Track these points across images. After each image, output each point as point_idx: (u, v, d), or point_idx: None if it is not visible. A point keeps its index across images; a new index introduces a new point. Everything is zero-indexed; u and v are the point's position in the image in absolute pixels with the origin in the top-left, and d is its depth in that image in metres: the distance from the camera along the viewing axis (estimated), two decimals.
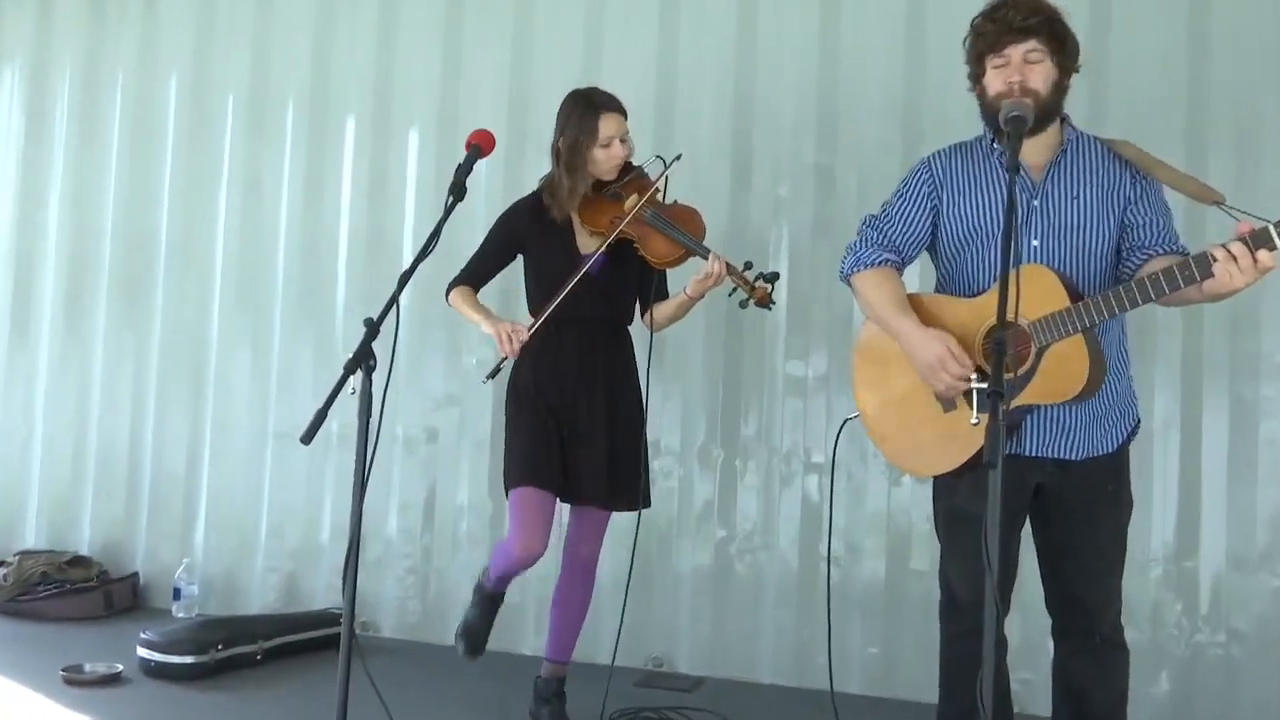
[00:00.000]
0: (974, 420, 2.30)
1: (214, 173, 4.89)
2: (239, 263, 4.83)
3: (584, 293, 3.13)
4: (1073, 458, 2.50)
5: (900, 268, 2.64)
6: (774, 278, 3.10)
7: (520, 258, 3.30)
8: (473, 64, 4.49)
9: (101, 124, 5.11)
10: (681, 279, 3.20)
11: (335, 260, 4.68)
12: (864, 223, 2.68)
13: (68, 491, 5.05)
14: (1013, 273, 2.38)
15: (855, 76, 3.99)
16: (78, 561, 4.78)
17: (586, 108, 3.17)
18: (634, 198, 3.18)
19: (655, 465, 4.03)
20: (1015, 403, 2.40)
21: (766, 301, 3.10)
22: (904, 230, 2.62)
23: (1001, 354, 1.84)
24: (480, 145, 2.78)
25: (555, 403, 3.18)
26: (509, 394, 3.26)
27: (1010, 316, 2.33)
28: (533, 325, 3.11)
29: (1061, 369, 2.34)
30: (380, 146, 4.63)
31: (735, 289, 3.11)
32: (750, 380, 4.08)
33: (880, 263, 2.61)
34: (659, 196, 3.21)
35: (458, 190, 2.61)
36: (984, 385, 2.31)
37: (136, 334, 4.98)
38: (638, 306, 3.31)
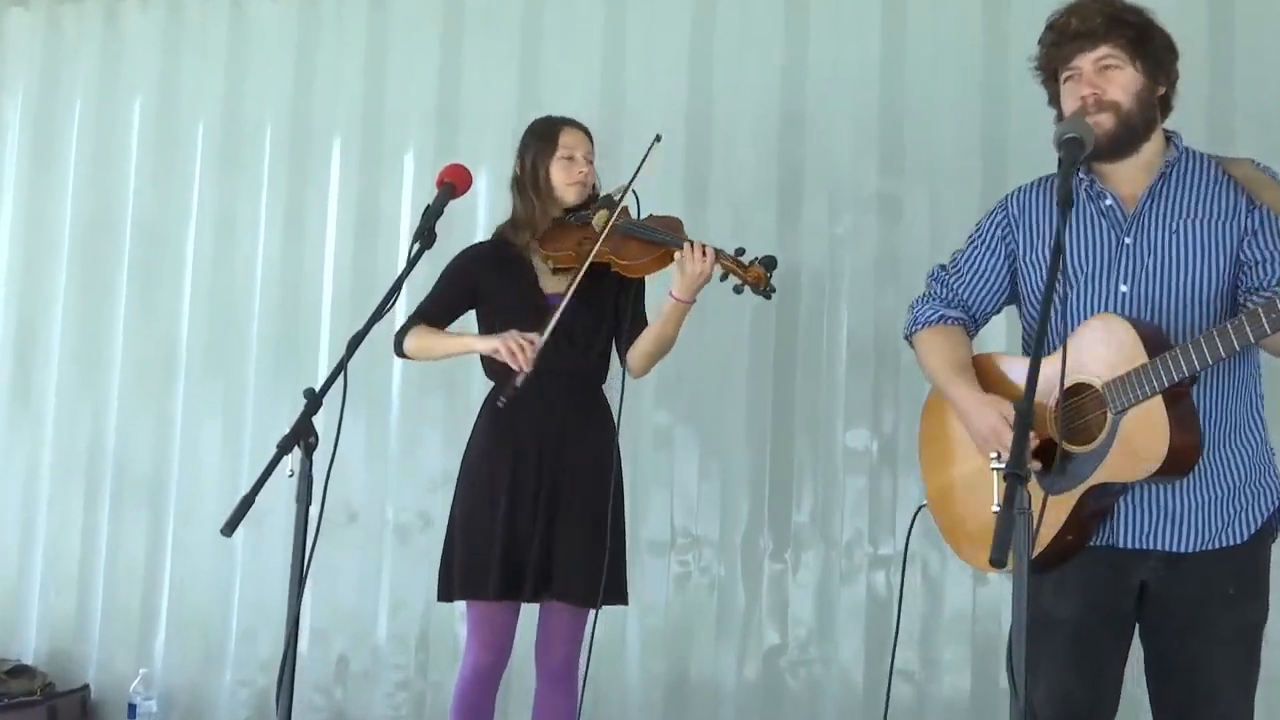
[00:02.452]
0: (995, 507, 2.30)
1: (181, 211, 5.07)
2: (208, 317, 4.99)
3: (550, 343, 3.18)
4: (1183, 550, 2.45)
5: (969, 326, 2.69)
6: (771, 263, 3.13)
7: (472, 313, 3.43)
8: (474, 82, 4.65)
9: (55, 155, 5.34)
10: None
11: (319, 313, 4.83)
12: (931, 275, 2.76)
13: (11, 587, 5.21)
14: (1084, 325, 2.44)
15: (925, 88, 4.05)
16: (20, 671, 4.91)
17: (545, 124, 3.40)
18: (603, 214, 3.27)
19: (689, 558, 4.10)
20: (1090, 481, 2.39)
21: (764, 286, 3.12)
22: (973, 283, 2.68)
23: (1024, 426, 1.86)
24: (454, 183, 2.86)
25: (511, 478, 3.24)
26: (463, 461, 3.36)
27: (1079, 377, 2.39)
28: (542, 333, 3.15)
29: (1139, 439, 2.32)
30: (370, 177, 4.79)
31: (727, 274, 3.14)
32: (803, 454, 4.10)
33: (940, 320, 2.68)
34: (633, 214, 3.30)
35: (424, 236, 2.71)
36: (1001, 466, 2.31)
37: (91, 403, 5.15)
38: (614, 359, 3.39)
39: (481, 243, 3.50)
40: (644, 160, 3.27)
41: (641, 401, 4.05)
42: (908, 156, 4.07)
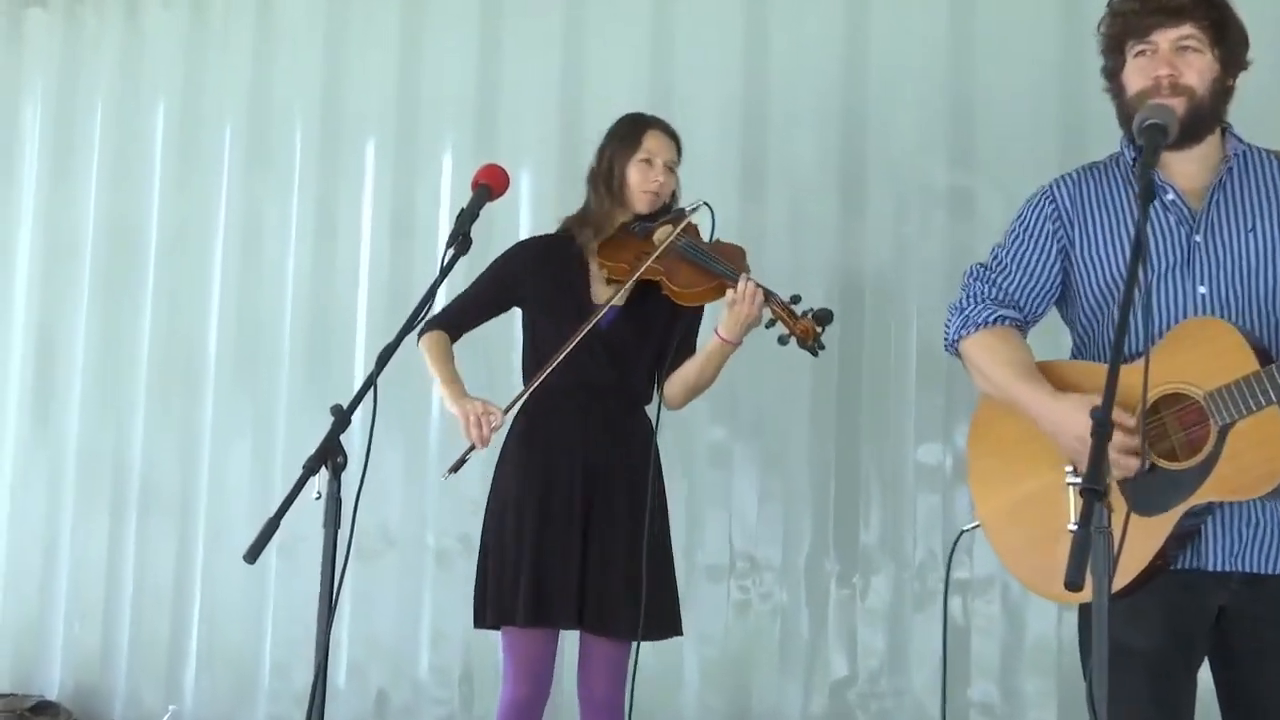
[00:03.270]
0: (1071, 526, 2.27)
1: (207, 216, 5.14)
2: (236, 328, 5.05)
3: (587, 353, 3.22)
4: (1267, 571, 2.43)
5: (1023, 328, 2.64)
6: (826, 318, 3.17)
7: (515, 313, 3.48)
8: (514, 74, 4.66)
9: (76, 159, 5.43)
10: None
11: (353, 323, 4.86)
12: (969, 274, 2.70)
13: (34, 617, 5.30)
14: (1177, 329, 2.40)
15: (996, 71, 4.00)
16: (43, 708, 4.99)
17: (632, 122, 3.41)
18: (666, 229, 3.31)
19: (749, 584, 4.09)
20: (1193, 500, 2.35)
21: (812, 341, 3.17)
22: (1024, 280, 2.62)
23: (1101, 437, 1.83)
24: (490, 185, 2.87)
25: (542, 498, 3.24)
26: (494, 481, 3.38)
27: (1171, 387, 2.35)
28: (511, 404, 3.22)
29: (1253, 454, 2.29)
30: (406, 177, 4.82)
31: (774, 321, 3.20)
32: (871, 470, 4.08)
33: (996, 320, 2.61)
34: (700, 234, 3.36)
35: (459, 241, 2.71)
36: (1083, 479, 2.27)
37: (115, 423, 5.23)
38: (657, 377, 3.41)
39: (539, 237, 3.54)
40: (691, 210, 3.35)
41: (697, 417, 4.03)
42: (979, 147, 4.03)
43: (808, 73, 4.23)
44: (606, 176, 3.37)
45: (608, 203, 3.36)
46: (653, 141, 3.36)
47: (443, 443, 4.57)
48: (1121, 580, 2.36)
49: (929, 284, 4.05)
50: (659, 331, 3.35)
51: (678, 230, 3.28)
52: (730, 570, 4.21)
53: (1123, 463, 2.33)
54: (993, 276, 2.64)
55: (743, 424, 4.23)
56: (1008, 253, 2.64)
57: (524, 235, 4.20)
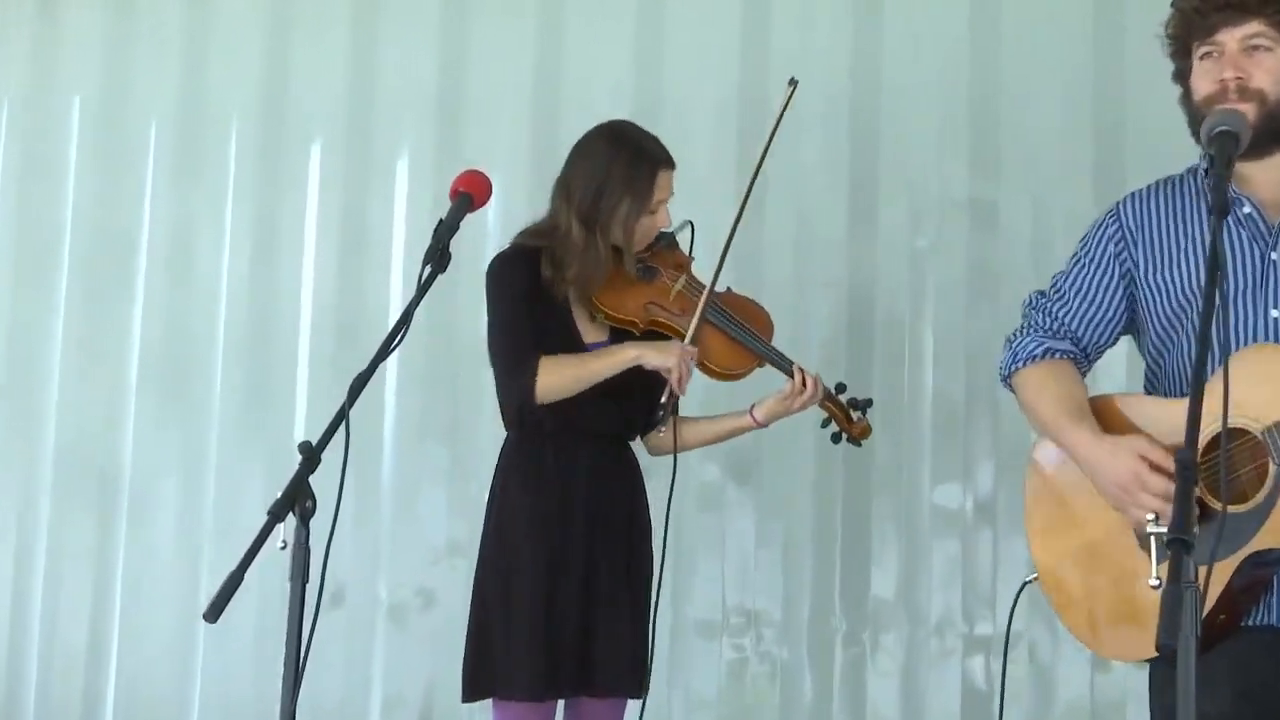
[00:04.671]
0: (1153, 580, 2.27)
1: (129, 227, 5.06)
2: (163, 355, 4.97)
3: (591, 399, 3.23)
4: None
5: (1080, 361, 2.67)
6: (868, 404, 3.43)
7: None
8: (482, 71, 4.63)
9: None
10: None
11: (296, 348, 4.80)
12: (1027, 303, 2.74)
13: None
14: (1235, 358, 2.37)
15: (1023, 72, 4.04)
16: None
17: (637, 158, 3.29)
18: (682, 279, 3.33)
19: (745, 641, 4.08)
20: (1253, 547, 2.35)
21: (865, 436, 3.43)
22: (1083, 309, 2.65)
23: (1187, 480, 1.82)
24: (471, 194, 2.81)
25: (550, 552, 3.24)
26: (492, 530, 3.32)
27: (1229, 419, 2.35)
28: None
29: None
30: (357, 186, 4.77)
31: (829, 420, 3.39)
32: (883, 515, 4.08)
33: (1045, 354, 2.65)
34: (683, 244, 3.41)
35: (438, 256, 2.68)
36: (1163, 530, 2.27)
37: (24, 459, 5.12)
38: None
39: (510, 253, 3.39)
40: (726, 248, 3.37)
41: (685, 453, 4.00)
42: (1004, 154, 4.06)
43: (813, 71, 4.18)
44: (606, 217, 3.26)
45: (598, 249, 3.25)
46: (662, 184, 3.28)
47: (397, 481, 4.53)
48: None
49: (947, 306, 4.07)
50: (653, 376, 3.32)
51: (708, 294, 3.28)
52: (724, 626, 4.19)
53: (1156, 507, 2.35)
54: (1049, 306, 2.68)
55: (737, 461, 4.21)
56: (1067, 280, 2.68)
57: (491, 252, 4.15)
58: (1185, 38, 2.54)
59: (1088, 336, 2.66)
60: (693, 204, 3.48)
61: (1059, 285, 2.69)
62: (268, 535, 2.39)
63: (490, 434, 4.31)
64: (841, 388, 3.38)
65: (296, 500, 2.41)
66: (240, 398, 4.86)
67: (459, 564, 4.48)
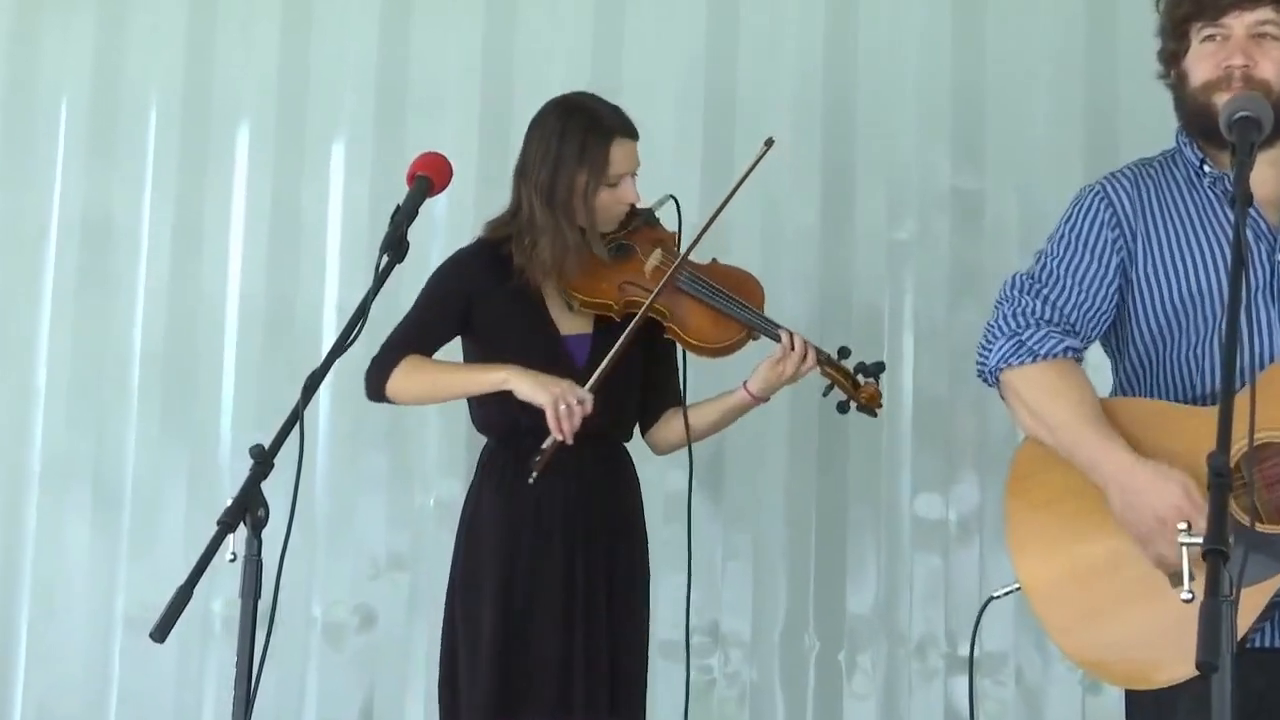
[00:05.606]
0: (1185, 594, 2.28)
1: (37, 215, 4.96)
2: (75, 354, 4.88)
3: None
4: None
5: (1082, 361, 2.66)
6: (879, 369, 3.30)
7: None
8: (427, 47, 4.59)
9: None
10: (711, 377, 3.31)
11: (221, 346, 4.74)
12: (1011, 285, 2.70)
13: None
14: (1272, 369, 2.44)
15: (1010, 54, 4.06)
16: None
17: (592, 128, 3.29)
18: (657, 253, 3.30)
19: (713, 662, 4.08)
20: None
21: (875, 404, 3.30)
22: (1080, 298, 2.64)
23: (1221, 488, 1.83)
24: (430, 177, 2.80)
25: (530, 569, 3.24)
26: (464, 543, 3.33)
27: (1263, 434, 2.37)
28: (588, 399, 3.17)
29: None
30: (289, 170, 4.71)
31: (831, 387, 3.29)
32: (860, 526, 4.08)
33: (1066, 353, 2.61)
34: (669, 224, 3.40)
35: (395, 245, 2.66)
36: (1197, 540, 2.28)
37: None
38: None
39: (471, 248, 3.43)
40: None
41: (647, 460, 3.96)
42: (989, 140, 4.08)
43: (784, 50, 4.24)
44: (565, 196, 3.27)
45: (564, 229, 3.25)
46: (620, 155, 3.28)
47: (332, 489, 4.49)
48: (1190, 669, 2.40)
49: (928, 302, 4.09)
50: (640, 361, 3.36)
51: (680, 260, 3.29)
52: (688, 645, 4.13)
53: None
54: (1043, 291, 2.64)
55: (703, 467, 4.12)
56: (1059, 262, 2.65)
57: (439, 242, 4.16)
58: (1187, 19, 2.55)
59: (1084, 331, 2.64)
60: (657, 190, 3.46)
61: (1050, 268, 2.65)
62: (218, 547, 2.40)
63: (436, 437, 4.34)
64: (845, 352, 3.33)
65: (248, 509, 2.40)
66: (159, 400, 4.77)
67: (400, 579, 4.47)
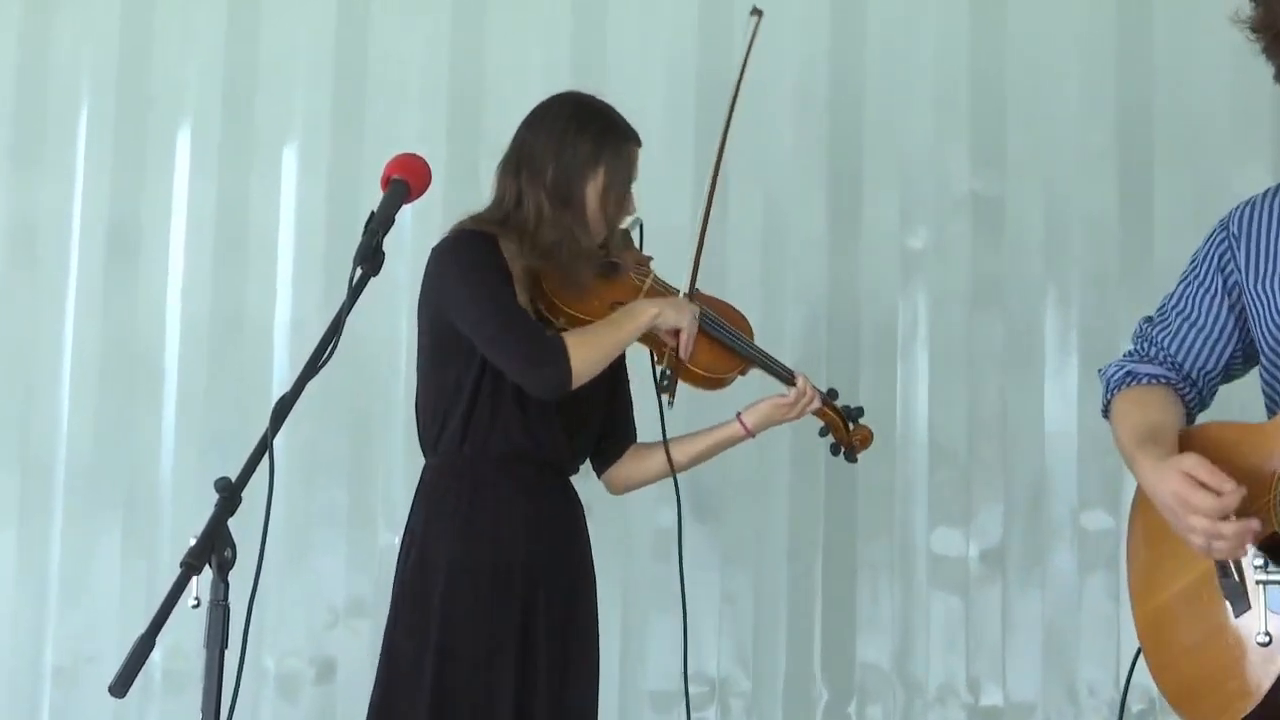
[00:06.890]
0: (1261, 636, 2.28)
1: None
2: None
3: (540, 418, 3.23)
4: None
5: (1185, 388, 2.69)
6: (859, 413, 3.47)
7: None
8: (388, 36, 4.60)
9: None
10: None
11: (161, 373, 4.72)
12: (1134, 332, 2.78)
13: None
14: None
15: (1033, 47, 4.07)
16: None
17: (611, 130, 3.32)
18: (650, 277, 3.36)
19: (710, 714, 4.09)
20: None
21: (864, 448, 3.52)
22: (1188, 332, 2.67)
23: None
24: (408, 180, 2.79)
25: (499, 608, 3.22)
26: (413, 575, 3.28)
27: None
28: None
29: None
30: (235, 171, 4.71)
31: (826, 428, 3.46)
32: (871, 565, 4.10)
33: (1128, 380, 2.69)
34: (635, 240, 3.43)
35: (370, 256, 2.64)
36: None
37: None
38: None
39: (477, 236, 3.33)
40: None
41: (635, 493, 3.97)
42: (1011, 141, 4.09)
43: (787, 40, 4.23)
44: (578, 198, 3.27)
45: (579, 234, 3.25)
46: (635, 161, 3.36)
47: (287, 526, 4.47)
48: (1248, 700, 2.38)
49: (945, 318, 4.09)
50: (606, 387, 3.37)
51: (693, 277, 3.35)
52: (683, 696, 4.14)
53: (1210, 544, 2.36)
54: (1150, 332, 2.72)
55: (699, 502, 4.20)
56: (1172, 300, 2.71)
57: (406, 247, 4.15)
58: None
59: (1190, 362, 2.68)
60: (646, 197, 3.46)
61: (1163, 307, 2.72)
62: (181, 591, 2.34)
63: (401, 469, 4.32)
64: (833, 394, 3.42)
65: (215, 549, 2.37)
66: (90, 428, 4.76)
67: (361, 626, 4.45)
